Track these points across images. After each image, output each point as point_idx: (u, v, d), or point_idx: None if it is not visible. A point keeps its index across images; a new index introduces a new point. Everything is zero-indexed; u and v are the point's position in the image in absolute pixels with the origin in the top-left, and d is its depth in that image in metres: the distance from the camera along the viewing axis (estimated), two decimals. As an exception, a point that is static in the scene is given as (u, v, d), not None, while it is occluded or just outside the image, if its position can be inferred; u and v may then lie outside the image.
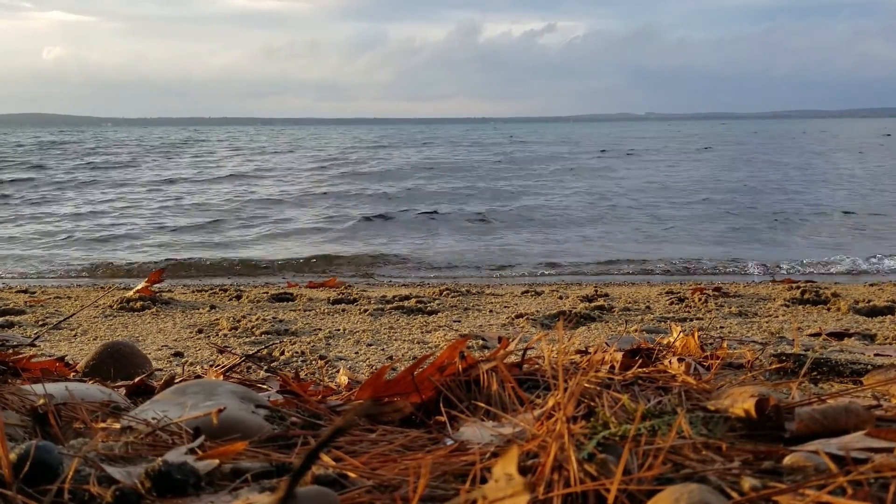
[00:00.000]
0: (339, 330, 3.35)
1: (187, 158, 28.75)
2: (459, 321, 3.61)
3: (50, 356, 2.50)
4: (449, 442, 1.09)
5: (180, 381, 1.44)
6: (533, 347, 1.60)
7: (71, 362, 2.20)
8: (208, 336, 3.27)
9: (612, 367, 1.48)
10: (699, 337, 1.95)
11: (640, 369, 1.44)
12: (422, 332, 3.29)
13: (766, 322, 3.41)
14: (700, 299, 4.11)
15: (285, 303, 4.32)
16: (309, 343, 3.03)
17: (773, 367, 2.05)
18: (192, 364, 2.67)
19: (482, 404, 1.23)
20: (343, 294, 4.57)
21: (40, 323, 3.65)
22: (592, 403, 1.09)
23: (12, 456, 0.86)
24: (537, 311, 3.76)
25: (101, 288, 5.76)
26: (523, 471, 0.83)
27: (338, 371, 2.31)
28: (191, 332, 3.35)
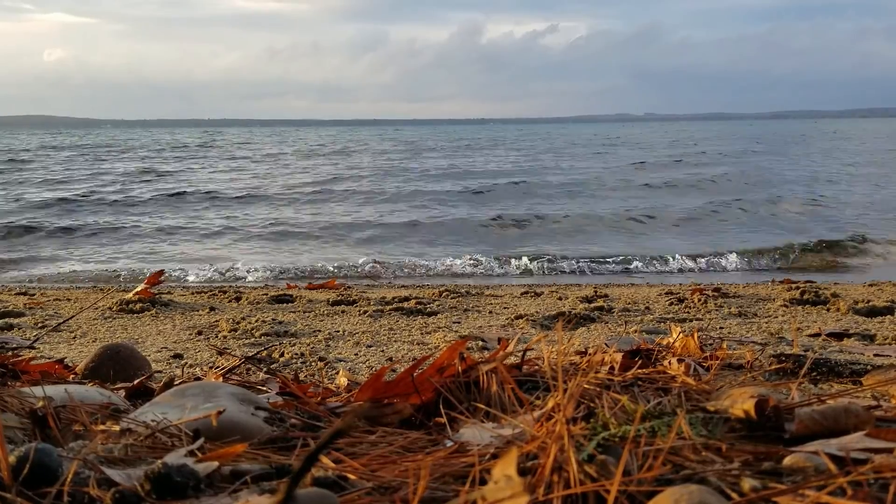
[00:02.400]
0: (338, 331, 3.35)
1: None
2: (459, 322, 3.61)
3: (49, 358, 2.50)
4: (449, 443, 1.09)
5: (180, 383, 1.44)
6: (532, 348, 1.60)
7: (70, 364, 2.20)
8: (208, 338, 3.27)
9: (612, 368, 1.48)
10: (699, 337, 1.95)
11: (639, 370, 1.44)
12: (421, 334, 3.29)
13: (766, 322, 3.41)
14: (700, 300, 4.11)
15: (285, 304, 4.32)
16: (308, 345, 3.03)
17: (773, 367, 2.05)
18: (191, 366, 2.67)
19: (482, 406, 1.23)
20: (342, 295, 4.56)
21: (40, 325, 3.65)
22: (592, 404, 1.09)
23: (12, 458, 0.86)
24: (537, 312, 3.76)
25: (100, 290, 5.76)
26: (523, 472, 0.83)
27: (337, 372, 2.30)
28: (190, 334, 3.35)
